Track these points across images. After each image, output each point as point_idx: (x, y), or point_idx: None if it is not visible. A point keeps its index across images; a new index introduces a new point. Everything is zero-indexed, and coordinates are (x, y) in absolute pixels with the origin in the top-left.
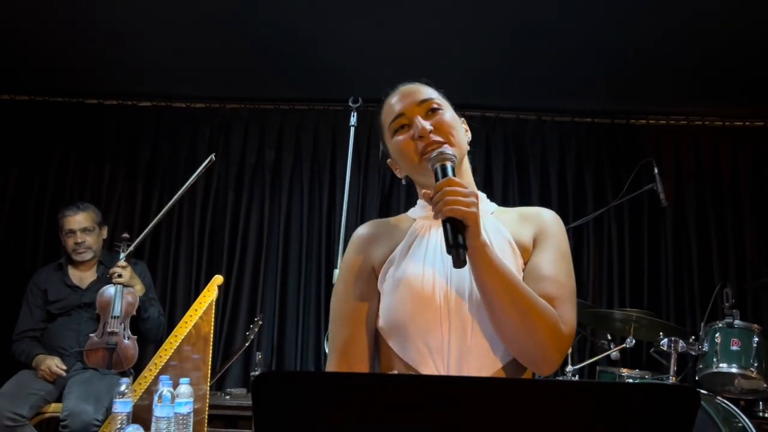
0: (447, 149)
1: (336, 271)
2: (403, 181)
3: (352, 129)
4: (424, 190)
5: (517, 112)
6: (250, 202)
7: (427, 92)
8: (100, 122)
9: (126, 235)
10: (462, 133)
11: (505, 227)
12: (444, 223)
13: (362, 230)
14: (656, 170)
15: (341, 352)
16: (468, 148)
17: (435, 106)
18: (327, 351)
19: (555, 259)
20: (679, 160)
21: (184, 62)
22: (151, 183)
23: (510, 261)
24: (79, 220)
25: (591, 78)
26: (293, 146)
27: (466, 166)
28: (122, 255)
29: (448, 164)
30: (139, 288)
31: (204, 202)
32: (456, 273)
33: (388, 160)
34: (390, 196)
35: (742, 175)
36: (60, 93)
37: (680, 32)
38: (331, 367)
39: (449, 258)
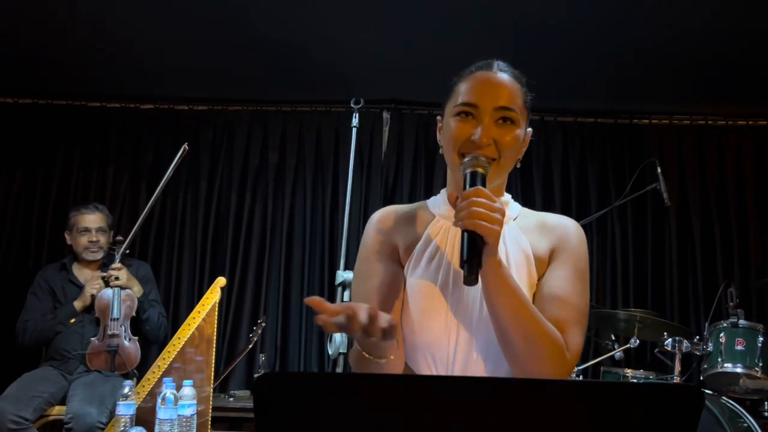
0: (482, 157)
1: (339, 272)
2: (441, 151)
3: (354, 130)
4: (449, 191)
5: None
6: (253, 204)
7: (511, 97)
8: (103, 125)
9: (120, 237)
10: (516, 155)
11: (524, 236)
12: (462, 233)
13: (383, 214)
14: (659, 170)
15: None
16: (518, 165)
17: (510, 117)
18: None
19: (569, 277)
20: (683, 160)
21: (187, 65)
22: (155, 185)
23: (524, 274)
24: (95, 219)
25: (594, 78)
26: (296, 148)
27: (503, 181)
28: (117, 257)
29: (479, 171)
30: (137, 289)
31: (207, 204)
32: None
33: (438, 118)
34: (393, 197)
35: (745, 174)
36: (63, 96)
37: (683, 32)
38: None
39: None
